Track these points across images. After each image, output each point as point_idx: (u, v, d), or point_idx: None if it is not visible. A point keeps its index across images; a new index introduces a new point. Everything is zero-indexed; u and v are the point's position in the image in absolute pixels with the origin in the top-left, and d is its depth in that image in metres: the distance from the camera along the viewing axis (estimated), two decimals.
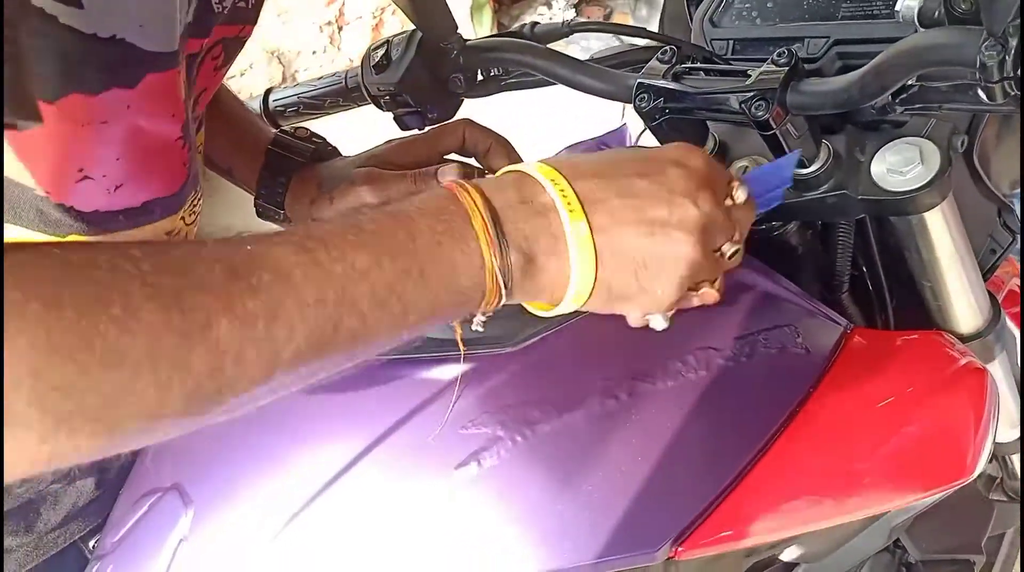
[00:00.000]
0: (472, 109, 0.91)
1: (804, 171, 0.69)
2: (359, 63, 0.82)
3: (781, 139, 0.66)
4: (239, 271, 0.39)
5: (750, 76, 0.66)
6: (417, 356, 0.58)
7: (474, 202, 0.45)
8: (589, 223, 0.46)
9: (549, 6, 3.08)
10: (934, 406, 0.60)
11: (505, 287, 0.45)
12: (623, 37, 1.32)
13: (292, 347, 0.40)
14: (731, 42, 0.80)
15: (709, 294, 0.51)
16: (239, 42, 0.69)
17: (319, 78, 0.90)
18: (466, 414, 0.54)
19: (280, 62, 2.89)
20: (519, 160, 0.76)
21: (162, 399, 0.36)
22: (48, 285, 0.34)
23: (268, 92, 0.94)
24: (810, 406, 0.57)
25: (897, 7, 0.62)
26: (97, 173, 0.53)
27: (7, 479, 0.34)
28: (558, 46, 0.79)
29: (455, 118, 0.80)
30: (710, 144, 0.77)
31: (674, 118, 0.72)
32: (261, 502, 0.58)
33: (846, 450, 0.60)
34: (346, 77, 0.88)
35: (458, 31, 0.80)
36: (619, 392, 0.54)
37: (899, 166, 0.66)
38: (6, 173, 0.50)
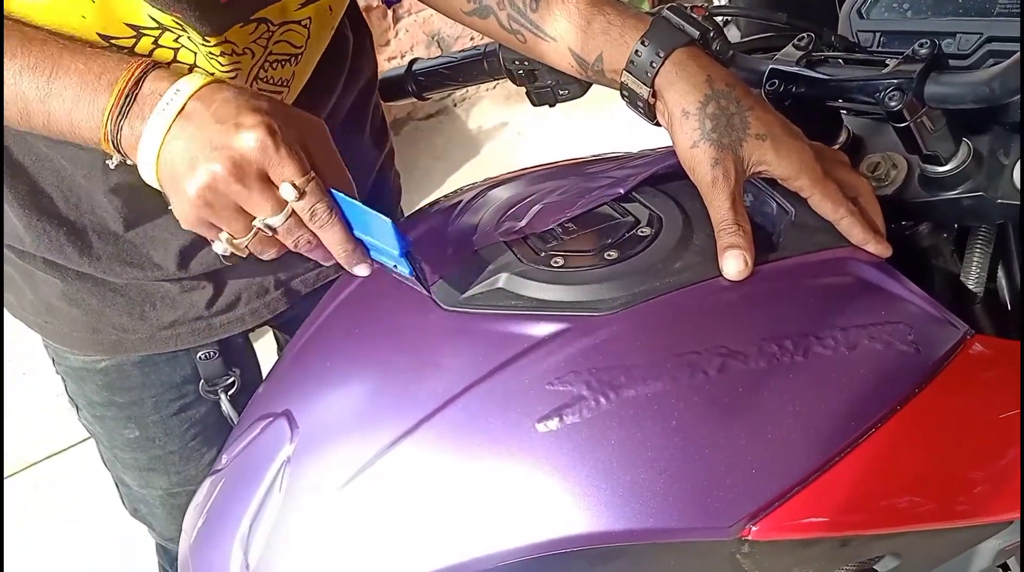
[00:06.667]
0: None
1: (940, 169, 0.67)
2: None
3: (915, 133, 0.64)
4: None
5: (888, 66, 0.64)
6: (515, 312, 0.60)
7: (131, 76, 0.57)
8: (181, 112, 0.56)
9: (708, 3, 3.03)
10: None
11: (114, 139, 0.58)
12: None
13: None
14: (878, 34, 0.77)
15: (226, 244, 0.58)
16: None
17: (460, 50, 0.93)
18: (554, 371, 0.55)
19: (439, 46, 2.98)
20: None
21: None
22: None
23: (413, 62, 0.99)
24: (915, 405, 0.55)
25: None
26: None
27: None
28: None
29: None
30: (842, 137, 0.75)
31: (804, 108, 0.70)
32: (340, 446, 0.61)
33: (957, 454, 0.58)
34: (485, 50, 0.91)
35: None
36: (708, 367, 0.54)
37: None
38: None
